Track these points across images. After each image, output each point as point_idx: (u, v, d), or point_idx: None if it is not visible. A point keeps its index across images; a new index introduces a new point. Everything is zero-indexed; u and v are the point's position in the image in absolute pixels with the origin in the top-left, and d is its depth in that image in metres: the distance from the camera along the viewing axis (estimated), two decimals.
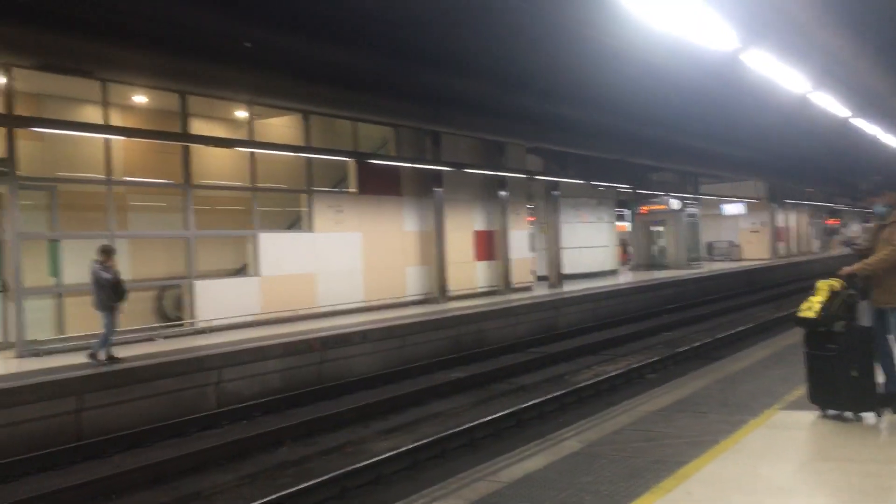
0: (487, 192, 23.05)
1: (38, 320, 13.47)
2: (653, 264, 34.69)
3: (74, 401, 10.25)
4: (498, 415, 10.50)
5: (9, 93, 12.50)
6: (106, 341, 11.51)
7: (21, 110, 12.84)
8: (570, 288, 24.35)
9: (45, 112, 13.94)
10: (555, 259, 25.88)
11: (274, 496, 7.45)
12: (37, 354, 12.58)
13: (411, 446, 9.10)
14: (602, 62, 15.46)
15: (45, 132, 13.56)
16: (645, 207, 34.58)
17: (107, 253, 11.80)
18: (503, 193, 23.13)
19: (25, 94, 13.21)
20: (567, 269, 26.65)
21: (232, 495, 8.01)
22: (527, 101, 18.78)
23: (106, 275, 11.62)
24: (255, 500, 7.43)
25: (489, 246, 23.08)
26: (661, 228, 35.30)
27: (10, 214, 12.71)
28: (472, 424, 10.02)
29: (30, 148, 13.46)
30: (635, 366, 14.16)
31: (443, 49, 15.27)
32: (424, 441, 9.31)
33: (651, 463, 6.16)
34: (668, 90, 17.50)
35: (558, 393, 11.89)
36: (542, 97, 18.74)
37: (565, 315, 20.82)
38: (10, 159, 12.57)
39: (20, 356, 12.47)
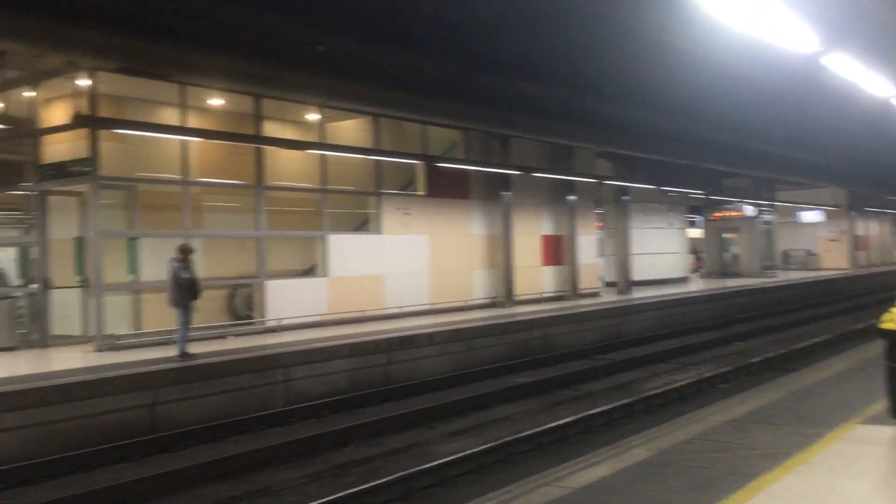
0: (555, 196, 22.88)
1: (116, 316, 13.92)
2: (725, 272, 33.90)
3: (150, 394, 10.54)
4: (565, 420, 10.38)
5: (92, 95, 12.95)
6: (183, 338, 11.81)
7: (103, 112, 13.28)
8: (638, 295, 23.97)
9: (126, 114, 14.37)
10: (623, 265, 25.53)
11: (340, 494, 7.51)
12: (114, 348, 12.98)
13: (477, 449, 9.06)
14: (675, 65, 15.19)
15: (125, 133, 14.01)
16: (717, 213, 33.82)
17: (185, 252, 12.10)
18: (571, 198, 22.92)
19: (107, 97, 13.66)
20: (636, 275, 26.26)
21: (300, 491, 8.10)
22: (597, 105, 18.59)
23: (185, 273, 11.92)
24: (322, 497, 7.49)
25: (556, 250, 22.89)
26: (734, 236, 34.47)
27: (92, 213, 13.16)
28: (538, 429, 9.93)
29: (111, 149, 13.90)
30: (706, 375, 13.83)
31: (513, 52, 15.22)
32: (491, 444, 9.26)
33: (723, 474, 6.00)
34: (743, 94, 17.07)
35: (627, 401, 11.69)
36: (612, 101, 18.51)
37: (634, 322, 20.51)
38: (93, 159, 13.01)
39: (99, 350, 12.89)
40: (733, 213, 33.46)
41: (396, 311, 17.79)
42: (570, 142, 20.90)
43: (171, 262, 12.01)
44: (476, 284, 20.37)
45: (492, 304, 20.49)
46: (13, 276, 16.41)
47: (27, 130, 14.28)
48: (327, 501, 7.31)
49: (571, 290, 22.79)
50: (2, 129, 13.89)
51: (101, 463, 9.19)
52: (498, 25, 13.64)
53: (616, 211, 25.92)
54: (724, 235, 34.69)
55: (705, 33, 11.82)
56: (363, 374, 13.41)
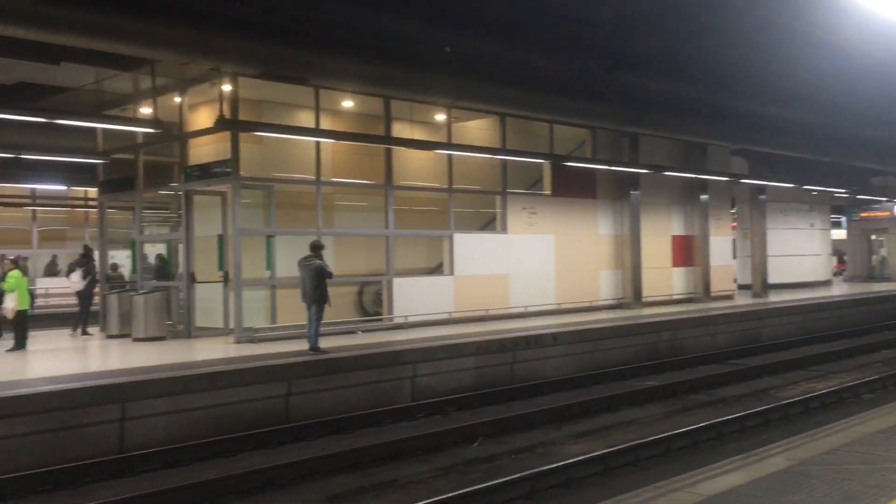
0: (687, 195, 22.22)
1: (253, 310, 14.58)
2: (872, 276, 31.89)
3: (285, 385, 10.98)
4: (696, 426, 10.06)
5: (234, 100, 13.61)
6: (316, 332, 12.22)
7: (243, 116, 13.92)
8: (776, 298, 22.91)
9: (264, 117, 15.02)
10: (760, 267, 24.47)
11: (466, 490, 7.57)
12: (252, 341, 13.60)
13: (604, 451, 8.93)
14: (818, 58, 14.44)
15: (263, 135, 14.65)
16: (864, 213, 31.86)
17: (319, 249, 12.51)
18: (704, 197, 22.20)
19: (247, 101, 14.31)
20: (773, 278, 25.11)
21: (426, 486, 8.22)
22: (732, 101, 17.95)
23: (329, 269, 12.33)
24: (448, 492, 7.58)
25: (687, 251, 22.22)
26: (882, 237, 32.36)
27: (233, 211, 13.83)
28: (667, 434, 9.67)
29: (250, 150, 14.57)
30: (850, 384, 13.06)
31: (644, 50, 14.92)
32: (617, 447, 9.10)
33: (869, 487, 5.66)
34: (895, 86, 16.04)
35: (762, 408, 11.21)
36: (748, 96, 17.82)
37: (770, 326, 19.63)
38: (234, 161, 13.68)
39: (238, 342, 13.54)
40: (882, 214, 31.42)
41: (521, 310, 17.76)
42: (703, 139, 20.27)
43: (312, 259, 12.36)
44: (602, 285, 20.05)
45: (618, 306, 20.12)
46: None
47: (175, 134, 15.19)
48: (453, 497, 7.37)
49: (703, 292, 22.06)
50: (153, 133, 14.78)
51: (240, 449, 9.64)
52: (629, 23, 13.40)
53: (752, 211, 24.86)
54: (872, 237, 32.63)
55: (852, 23, 11.16)
56: (488, 372, 13.47)
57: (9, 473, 8.23)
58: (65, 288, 23.87)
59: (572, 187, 19.29)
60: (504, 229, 17.97)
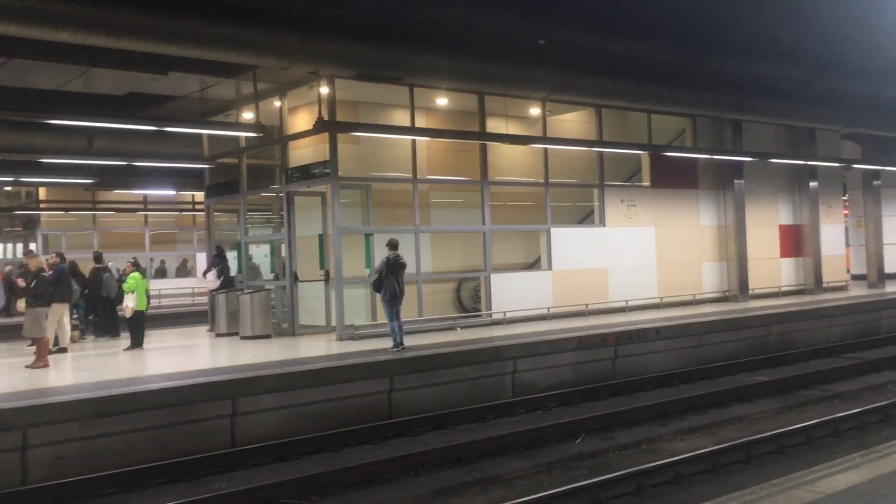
0: (794, 182, 21.37)
1: (354, 308, 14.83)
2: None
3: (387, 382, 11.12)
4: (811, 422, 9.65)
5: (331, 101, 13.87)
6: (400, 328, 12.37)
7: (341, 117, 14.17)
8: (893, 288, 21.73)
9: (361, 118, 15.26)
10: (875, 256, 23.26)
11: (572, 486, 7.48)
12: (353, 338, 13.83)
13: (713, 448, 8.67)
14: None
15: (360, 136, 14.88)
16: None
17: (396, 246, 12.66)
18: (813, 184, 21.29)
19: (344, 102, 14.55)
20: (890, 267, 23.86)
21: (530, 482, 8.17)
22: (841, 83, 17.12)
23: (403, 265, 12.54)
24: (552, 488, 7.51)
25: (795, 241, 21.36)
26: None
27: (332, 211, 14.10)
28: (781, 431, 9.31)
29: (348, 151, 14.81)
30: None
31: (743, 33, 14.40)
32: (727, 444, 8.82)
33: None
34: None
35: (882, 403, 10.65)
36: (859, 78, 16.96)
37: (888, 318, 18.66)
38: (333, 161, 13.94)
39: (340, 339, 13.80)
40: None
41: (621, 304, 17.45)
42: (811, 124, 19.42)
43: (398, 256, 12.54)
44: (706, 277, 19.49)
45: (723, 299, 19.53)
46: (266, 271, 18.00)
47: (276, 137, 15.61)
48: (559, 492, 7.30)
49: (814, 283, 21.16)
50: (256, 137, 15.23)
51: (345, 444, 9.83)
52: (730, 6, 12.97)
53: (866, 197, 23.64)
54: None
55: None
56: (590, 367, 13.29)
57: (130, 466, 8.65)
58: (175, 289, 25.02)
59: (672, 178, 18.82)
60: (602, 222, 17.69)
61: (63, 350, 13.49)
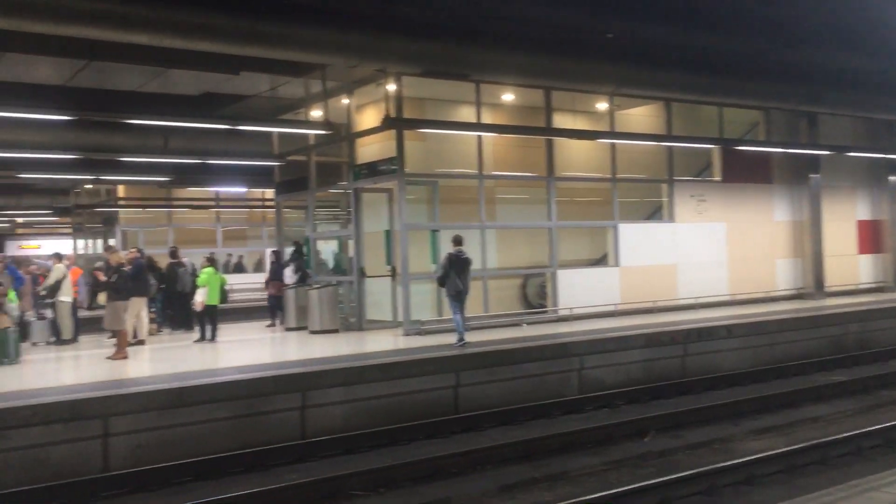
0: (874, 176, 20.70)
1: (420, 303, 14.93)
2: None
3: (454, 377, 11.18)
4: (890, 424, 9.32)
5: (398, 98, 13.99)
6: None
7: (408, 114, 14.28)
8: None
9: (427, 114, 15.35)
10: None
11: (641, 484, 7.40)
12: (420, 333, 13.94)
13: (788, 449, 8.46)
14: None
15: (427, 132, 14.97)
16: None
17: (460, 243, 12.71)
18: (893, 178, 20.56)
19: (410, 99, 14.66)
20: None
21: (598, 479, 8.11)
22: None
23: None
24: (621, 486, 7.45)
25: (875, 237, 20.66)
26: None
27: (399, 207, 14.23)
28: (859, 432, 9.03)
29: (414, 147, 14.91)
30: None
31: (822, 23, 13.96)
32: (803, 445, 8.59)
33: None
34: None
35: None
36: None
37: None
38: (399, 158, 14.06)
39: (407, 334, 13.92)
40: None
41: (691, 301, 17.16)
42: (890, 116, 18.71)
43: (461, 253, 12.61)
44: (779, 274, 19.02)
45: (798, 296, 19.02)
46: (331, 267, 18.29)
47: (344, 135, 15.82)
48: (628, 490, 7.23)
49: (894, 280, 20.40)
50: (324, 135, 15.47)
51: (412, 438, 9.91)
52: None
53: None
54: None
55: None
56: (658, 365, 13.11)
57: (206, 456, 8.91)
58: (246, 284, 25.57)
59: (745, 172, 18.40)
60: (671, 218, 17.42)
61: (141, 342, 13.96)
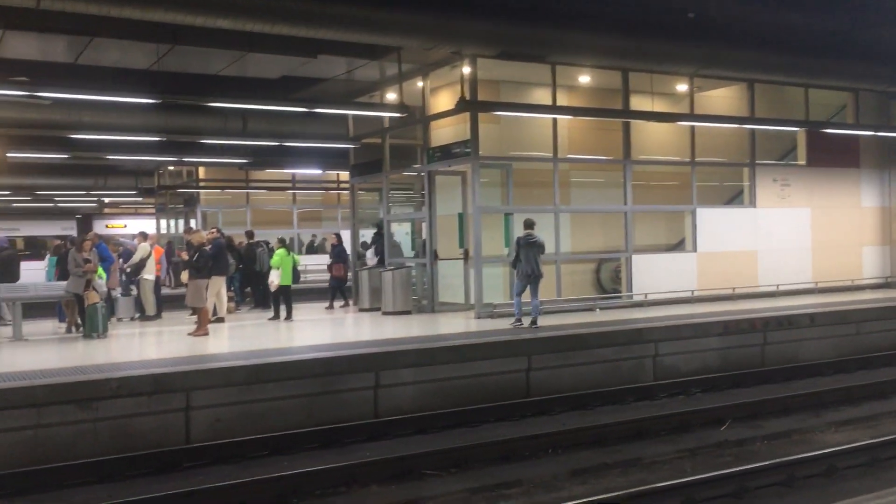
0: None
1: (493, 286, 14.92)
2: None
3: (526, 360, 11.15)
4: None
5: (473, 81, 13.94)
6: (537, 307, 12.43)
7: (482, 96, 14.21)
8: None
9: (502, 97, 15.25)
10: None
11: (717, 473, 7.26)
12: (492, 316, 13.94)
13: (871, 441, 8.18)
14: None
15: (501, 115, 14.89)
16: None
17: (530, 226, 12.66)
18: None
19: (485, 82, 14.58)
20: None
21: (672, 467, 7.98)
22: None
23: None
24: (696, 474, 7.32)
25: None
26: None
27: (472, 190, 14.22)
28: None
29: (488, 130, 14.83)
30: None
31: None
32: (888, 437, 8.29)
33: None
34: None
35: None
36: None
37: None
38: (473, 141, 14.03)
39: (479, 317, 13.95)
40: None
41: (771, 289, 16.69)
42: None
43: (531, 236, 12.58)
44: (866, 262, 18.35)
45: (886, 285, 18.33)
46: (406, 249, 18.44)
47: (418, 117, 15.88)
48: (704, 479, 7.10)
49: None
50: (399, 117, 15.55)
51: (483, 420, 9.94)
52: None
53: None
54: None
55: None
56: (736, 353, 12.81)
57: (283, 431, 9.13)
58: (319, 264, 25.99)
59: (831, 156, 17.75)
60: (753, 203, 16.95)
61: (220, 320, 14.37)
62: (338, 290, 17.21)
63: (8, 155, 19.68)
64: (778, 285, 16.81)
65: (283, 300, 14.82)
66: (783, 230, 17.22)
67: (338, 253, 17.18)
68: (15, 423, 8.25)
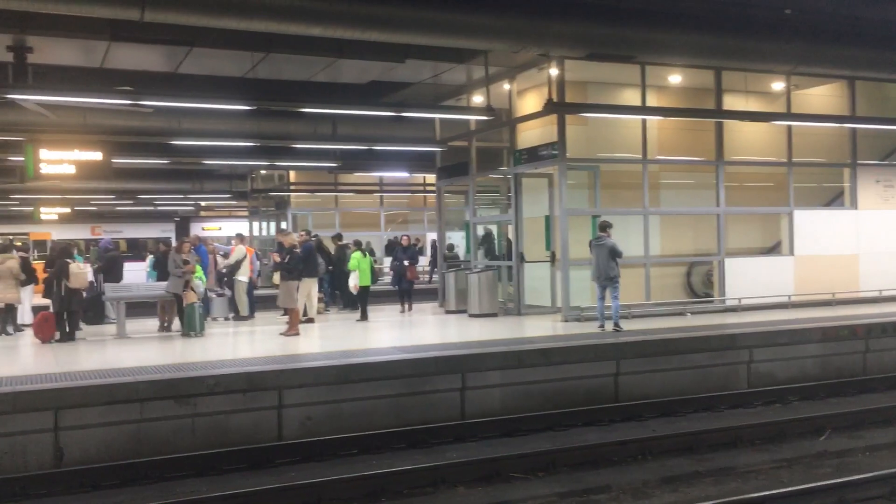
0: None
1: (580, 289, 14.76)
2: None
3: (614, 365, 11.00)
4: None
5: (560, 83, 13.85)
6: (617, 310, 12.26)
7: (569, 98, 14.09)
8: None
9: (589, 98, 15.08)
10: None
11: (816, 484, 7.01)
12: (579, 320, 13.81)
13: None
14: None
15: (588, 116, 14.73)
16: None
17: (608, 228, 12.63)
18: None
19: (572, 83, 14.45)
20: None
21: (768, 477, 7.74)
22: None
23: (619, 249, 12.39)
24: (793, 485, 7.08)
25: None
26: None
27: (559, 192, 14.12)
28: None
29: (576, 132, 14.68)
30: None
31: None
32: None
33: None
34: None
35: None
36: None
37: None
38: (561, 143, 13.93)
39: (566, 320, 13.84)
40: None
41: (874, 294, 15.98)
42: None
43: (600, 239, 12.51)
44: None
45: None
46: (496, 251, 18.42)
47: (505, 120, 15.87)
48: (802, 490, 6.87)
49: None
50: (486, 120, 15.58)
51: (571, 424, 9.86)
52: None
53: None
54: None
55: None
56: (836, 360, 12.34)
57: (372, 430, 9.28)
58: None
59: None
60: (854, 205, 16.28)
61: (311, 321, 14.70)
62: (409, 293, 17.05)
63: (113, 161, 20.58)
64: (881, 290, 16.09)
65: (359, 301, 15.18)
66: (887, 233, 16.48)
67: (411, 255, 17.21)
68: (120, 417, 8.65)
